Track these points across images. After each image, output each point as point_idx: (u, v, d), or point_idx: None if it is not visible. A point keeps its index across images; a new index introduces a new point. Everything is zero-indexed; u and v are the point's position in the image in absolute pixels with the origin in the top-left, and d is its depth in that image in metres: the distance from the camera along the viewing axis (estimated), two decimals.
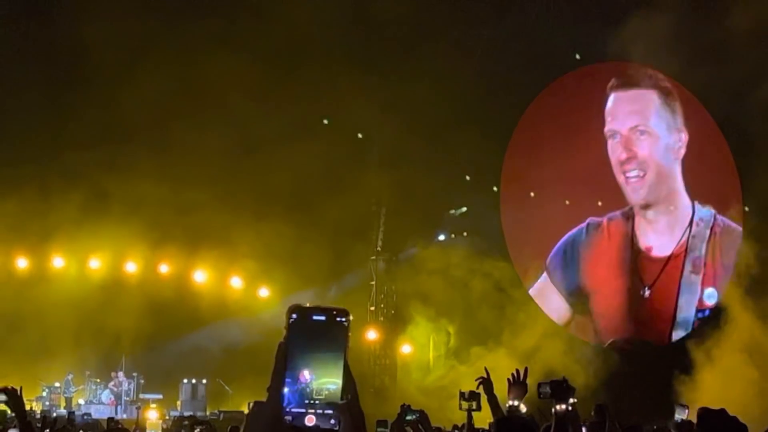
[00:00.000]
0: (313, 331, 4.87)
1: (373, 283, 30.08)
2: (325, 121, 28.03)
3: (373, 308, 30.06)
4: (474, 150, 26.40)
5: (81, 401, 28.00)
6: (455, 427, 13.29)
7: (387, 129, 27.30)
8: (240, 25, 26.31)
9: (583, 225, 23.40)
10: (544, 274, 24.42)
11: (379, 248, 29.89)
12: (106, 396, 28.26)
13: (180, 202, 26.38)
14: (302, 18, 25.35)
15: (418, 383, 27.35)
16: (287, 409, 4.80)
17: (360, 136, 28.44)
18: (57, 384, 27.67)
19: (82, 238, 27.74)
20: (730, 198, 22.89)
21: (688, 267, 22.43)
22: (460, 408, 10.43)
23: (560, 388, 7.86)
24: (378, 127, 27.61)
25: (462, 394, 10.42)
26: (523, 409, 8.07)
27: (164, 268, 29.38)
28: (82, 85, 26.48)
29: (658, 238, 22.88)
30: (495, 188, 27.66)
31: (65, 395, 27.47)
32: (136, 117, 26.09)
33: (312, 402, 4.78)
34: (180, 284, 29.25)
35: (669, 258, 22.52)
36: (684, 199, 22.63)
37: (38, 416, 21.99)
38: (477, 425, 10.62)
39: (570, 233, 23.68)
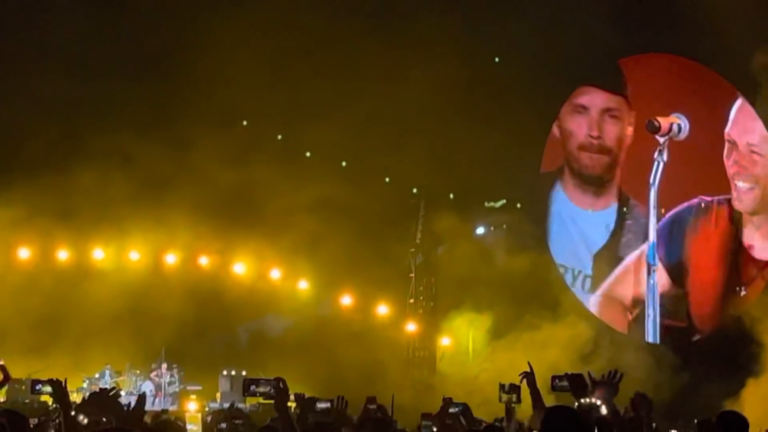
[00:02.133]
0: None
1: (412, 275, 30.06)
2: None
3: (412, 300, 30.05)
4: (515, 141, 26.33)
5: (122, 392, 28.09)
6: (496, 419, 13.23)
7: (427, 121, 27.21)
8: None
9: (694, 202, 23.00)
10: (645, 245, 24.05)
11: (418, 240, 29.87)
12: (146, 387, 28.39)
13: (219, 193, 26.48)
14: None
15: (458, 375, 27.30)
16: None
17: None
18: (97, 375, 27.81)
19: (123, 230, 27.92)
20: None
21: None
22: (500, 400, 10.42)
23: (578, 382, 7.80)
24: (419, 120, 27.49)
25: (502, 387, 10.41)
26: (604, 411, 7.84)
27: (204, 260, 29.50)
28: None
29: (762, 241, 22.54)
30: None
31: (100, 387, 27.53)
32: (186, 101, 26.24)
33: None
34: (220, 276, 29.34)
35: None
36: None
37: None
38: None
39: (680, 208, 23.34)
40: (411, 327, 29.75)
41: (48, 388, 8.05)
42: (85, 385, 27.32)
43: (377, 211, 26.70)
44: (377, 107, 26.10)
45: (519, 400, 10.35)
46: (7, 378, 12.05)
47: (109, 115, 26.66)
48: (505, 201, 29.30)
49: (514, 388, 10.30)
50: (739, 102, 22.57)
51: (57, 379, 7.99)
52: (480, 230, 29.72)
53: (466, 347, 29.33)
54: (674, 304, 24.22)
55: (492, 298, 27.03)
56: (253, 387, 7.80)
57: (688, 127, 21.85)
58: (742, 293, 22.82)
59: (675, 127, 21.52)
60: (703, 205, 23.04)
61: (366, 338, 27.84)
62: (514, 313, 26.34)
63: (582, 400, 7.70)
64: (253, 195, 26.54)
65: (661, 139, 21.97)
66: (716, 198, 22.67)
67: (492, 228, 29.55)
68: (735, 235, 22.50)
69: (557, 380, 8.06)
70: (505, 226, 28.94)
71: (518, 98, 24.81)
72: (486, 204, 29.58)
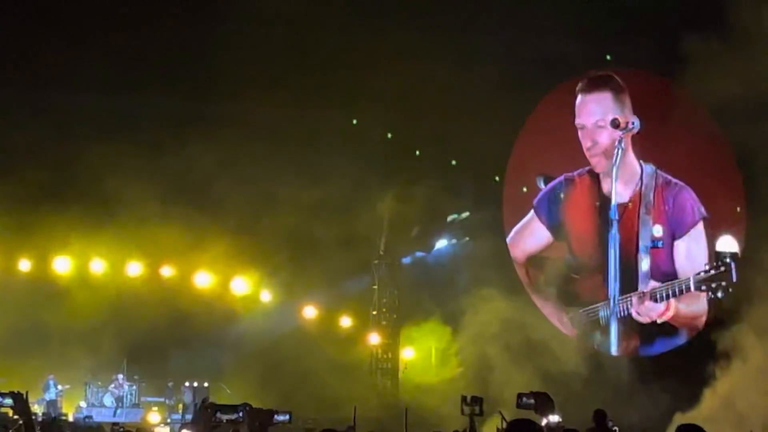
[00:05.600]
0: None
1: (376, 287, 30.06)
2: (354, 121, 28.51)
3: (375, 312, 30.03)
4: (478, 154, 26.56)
5: (83, 404, 27.97)
6: None
7: (391, 133, 27.30)
8: None
9: (561, 178, 28.32)
10: (532, 212, 28.47)
11: (381, 252, 29.87)
12: (107, 399, 28.24)
13: (181, 205, 26.37)
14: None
15: (420, 387, 27.34)
16: None
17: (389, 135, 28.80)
18: (60, 387, 27.59)
19: (85, 242, 27.77)
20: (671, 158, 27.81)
21: (642, 209, 27.50)
22: (462, 413, 10.45)
23: (544, 400, 7.78)
24: (381, 131, 27.57)
25: (464, 399, 10.45)
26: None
27: (166, 271, 29.35)
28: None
29: (622, 188, 27.41)
30: (497, 178, 29.15)
31: (46, 398, 27.05)
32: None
33: None
34: (181, 287, 29.19)
35: (628, 202, 27.41)
36: (634, 161, 27.47)
37: (40, 419, 22.12)
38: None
39: (551, 185, 28.47)
40: (374, 339, 29.76)
41: (9, 401, 8.01)
42: (46, 396, 27.14)
43: (341, 222, 26.67)
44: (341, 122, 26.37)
45: (481, 412, 10.39)
46: None
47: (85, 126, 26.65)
48: (468, 213, 29.38)
49: (476, 400, 10.33)
50: (579, 96, 27.79)
51: (18, 392, 7.96)
52: (443, 241, 29.83)
53: (429, 358, 29.36)
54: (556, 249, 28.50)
55: (455, 309, 27.06)
56: (218, 414, 7.08)
57: (638, 123, 26.72)
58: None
59: (630, 124, 26.51)
60: (567, 179, 28.36)
61: (329, 350, 27.84)
62: (477, 324, 26.29)
63: (549, 418, 7.68)
64: (214, 207, 26.53)
65: (620, 133, 26.61)
66: (577, 171, 27.98)
67: (454, 240, 29.66)
68: (599, 191, 27.65)
69: (524, 397, 8.01)
70: (467, 238, 29.03)
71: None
72: (453, 217, 29.66)
